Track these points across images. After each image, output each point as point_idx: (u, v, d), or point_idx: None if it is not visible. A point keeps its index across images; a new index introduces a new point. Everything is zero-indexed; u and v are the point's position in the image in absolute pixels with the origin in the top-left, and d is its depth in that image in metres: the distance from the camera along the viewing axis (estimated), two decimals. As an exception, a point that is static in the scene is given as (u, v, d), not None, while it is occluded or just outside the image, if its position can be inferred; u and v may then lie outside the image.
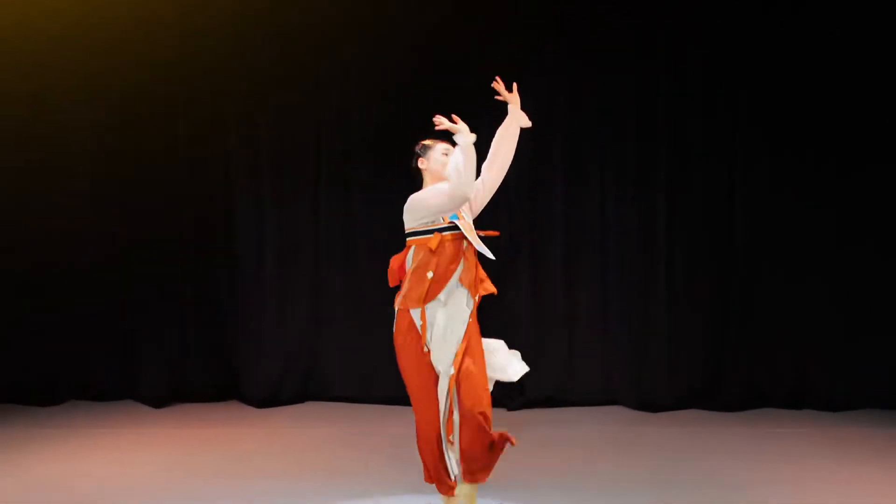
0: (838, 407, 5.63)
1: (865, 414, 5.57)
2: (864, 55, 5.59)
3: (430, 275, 3.34)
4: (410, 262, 3.44)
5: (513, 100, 3.57)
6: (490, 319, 5.61)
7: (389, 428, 5.31)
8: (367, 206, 5.98)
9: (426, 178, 3.57)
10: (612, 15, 5.76)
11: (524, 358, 3.69)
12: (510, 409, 5.80)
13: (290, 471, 4.45)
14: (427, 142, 3.60)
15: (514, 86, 3.56)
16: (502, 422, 5.23)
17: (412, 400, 3.46)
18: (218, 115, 6.12)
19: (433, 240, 3.36)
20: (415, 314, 3.39)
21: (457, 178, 3.28)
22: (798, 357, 5.72)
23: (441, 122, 3.41)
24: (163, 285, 6.14)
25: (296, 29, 5.99)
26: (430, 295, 3.36)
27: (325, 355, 6.12)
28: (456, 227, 3.39)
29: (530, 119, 3.60)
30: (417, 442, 3.49)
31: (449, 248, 3.37)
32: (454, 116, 3.39)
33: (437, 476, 3.48)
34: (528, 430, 5.17)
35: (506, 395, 5.79)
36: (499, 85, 3.52)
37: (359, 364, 6.02)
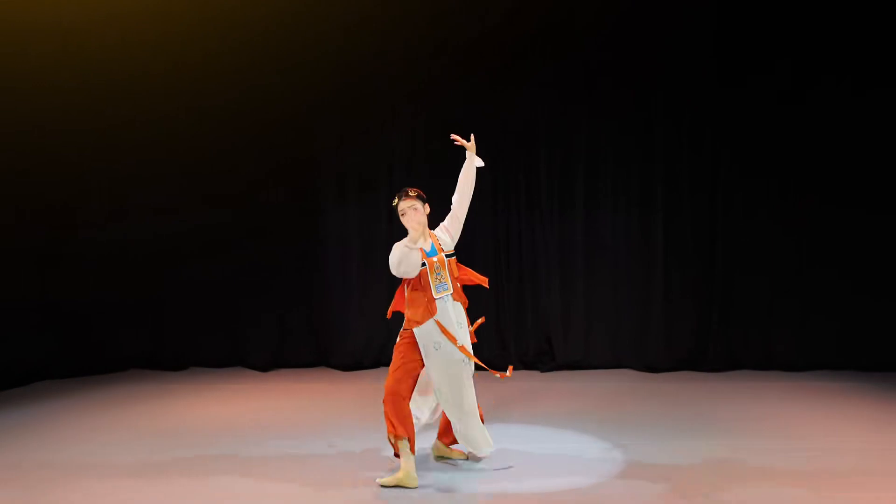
0: (798, 368, 7.23)
1: (818, 373, 7.15)
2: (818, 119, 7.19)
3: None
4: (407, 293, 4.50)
5: (470, 147, 4.59)
6: (530, 309, 7.32)
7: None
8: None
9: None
10: (626, 82, 7.35)
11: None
12: (542, 370, 7.42)
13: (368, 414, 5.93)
14: (394, 201, 4.54)
15: (472, 136, 4.61)
16: (538, 381, 6.94)
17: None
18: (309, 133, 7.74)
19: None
20: (419, 331, 4.41)
21: (395, 268, 4.38)
22: (765, 333, 7.35)
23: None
24: (266, 276, 7.77)
25: (373, 59, 7.49)
26: (430, 313, 4.40)
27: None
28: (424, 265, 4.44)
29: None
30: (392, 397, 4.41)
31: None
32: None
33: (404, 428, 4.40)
34: (560, 383, 6.87)
35: (539, 359, 7.45)
36: (457, 137, 4.60)
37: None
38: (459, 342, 4.43)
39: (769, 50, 7.14)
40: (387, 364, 7.26)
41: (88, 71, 7.43)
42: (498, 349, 7.47)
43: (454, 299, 4.49)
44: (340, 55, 7.51)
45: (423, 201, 4.50)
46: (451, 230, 4.62)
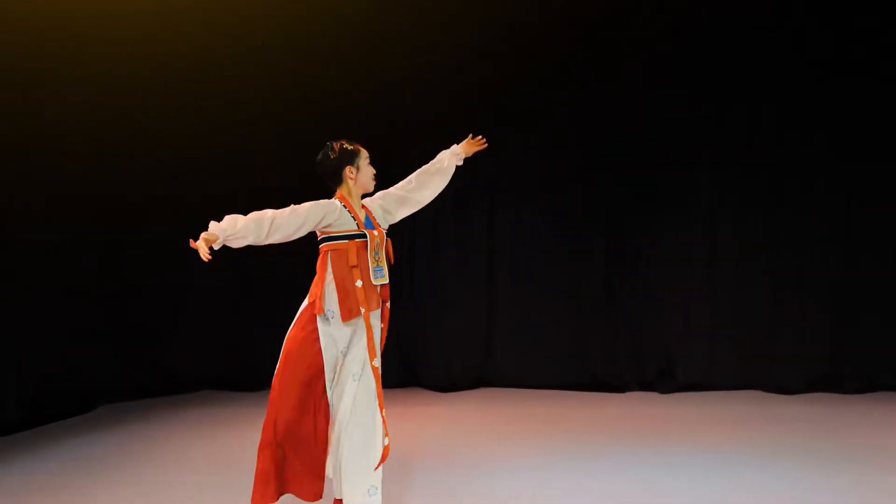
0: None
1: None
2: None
3: (359, 283, 3.43)
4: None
5: (475, 148, 3.82)
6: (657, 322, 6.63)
7: (547, 407, 6.32)
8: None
9: (349, 184, 3.56)
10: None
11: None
12: (662, 392, 6.74)
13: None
14: (349, 145, 3.58)
15: (480, 138, 3.84)
16: (657, 404, 6.27)
17: (279, 395, 3.42)
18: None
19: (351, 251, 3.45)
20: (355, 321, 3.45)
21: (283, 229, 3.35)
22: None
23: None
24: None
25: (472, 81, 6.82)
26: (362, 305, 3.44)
27: (493, 351, 7.06)
28: (363, 236, 3.49)
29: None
30: (267, 448, 3.40)
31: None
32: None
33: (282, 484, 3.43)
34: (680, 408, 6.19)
35: (659, 381, 6.77)
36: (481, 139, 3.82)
37: (522, 358, 6.96)
38: (377, 360, 3.51)
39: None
40: (486, 385, 7.10)
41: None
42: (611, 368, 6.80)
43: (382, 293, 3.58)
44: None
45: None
46: (391, 210, 3.71)
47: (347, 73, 6.87)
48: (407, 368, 7.07)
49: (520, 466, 4.71)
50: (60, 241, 6.26)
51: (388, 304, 3.67)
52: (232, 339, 7.11)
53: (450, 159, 3.76)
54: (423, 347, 7.06)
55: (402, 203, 3.72)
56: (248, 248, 3.40)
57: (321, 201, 3.50)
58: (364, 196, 3.67)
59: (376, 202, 3.70)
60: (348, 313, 3.43)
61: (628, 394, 6.75)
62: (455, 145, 3.83)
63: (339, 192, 3.60)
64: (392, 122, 6.84)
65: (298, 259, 6.82)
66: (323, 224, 3.45)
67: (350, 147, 3.57)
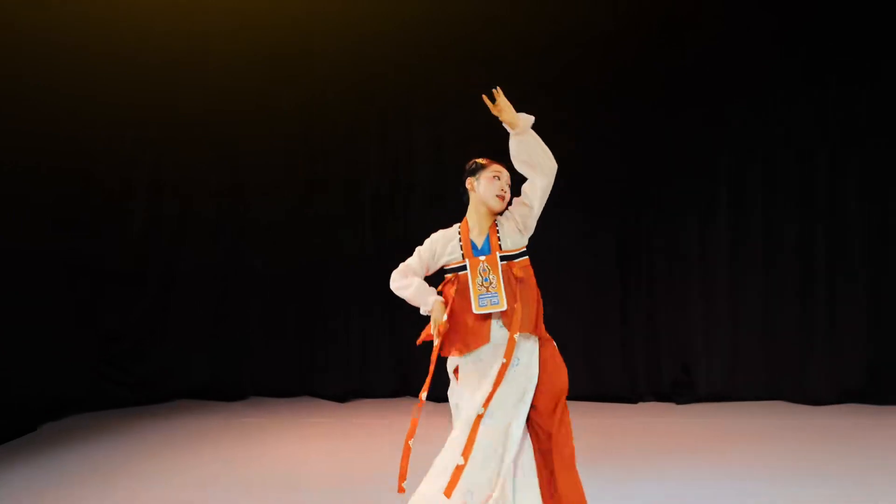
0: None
1: None
2: None
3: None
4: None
5: (498, 109, 2.99)
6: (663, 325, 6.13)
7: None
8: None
9: (472, 198, 3.17)
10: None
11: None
12: (678, 402, 6.18)
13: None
14: (481, 160, 3.20)
15: (496, 91, 2.98)
16: (674, 414, 5.74)
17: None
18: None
19: None
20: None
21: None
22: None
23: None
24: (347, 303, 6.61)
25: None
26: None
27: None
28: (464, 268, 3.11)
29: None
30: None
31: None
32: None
33: None
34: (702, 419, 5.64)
35: (676, 391, 6.22)
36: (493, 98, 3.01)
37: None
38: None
39: None
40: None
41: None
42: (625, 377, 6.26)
43: (505, 322, 3.03)
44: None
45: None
46: (517, 214, 3.14)
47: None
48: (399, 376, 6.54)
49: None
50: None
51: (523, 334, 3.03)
52: (211, 348, 6.63)
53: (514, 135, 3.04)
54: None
55: (525, 196, 3.13)
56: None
57: (433, 236, 3.23)
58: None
59: (511, 215, 3.16)
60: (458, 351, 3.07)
61: (640, 405, 6.21)
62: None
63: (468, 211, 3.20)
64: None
65: (278, 271, 6.56)
66: (439, 262, 3.18)
67: (481, 161, 3.18)
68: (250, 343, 6.62)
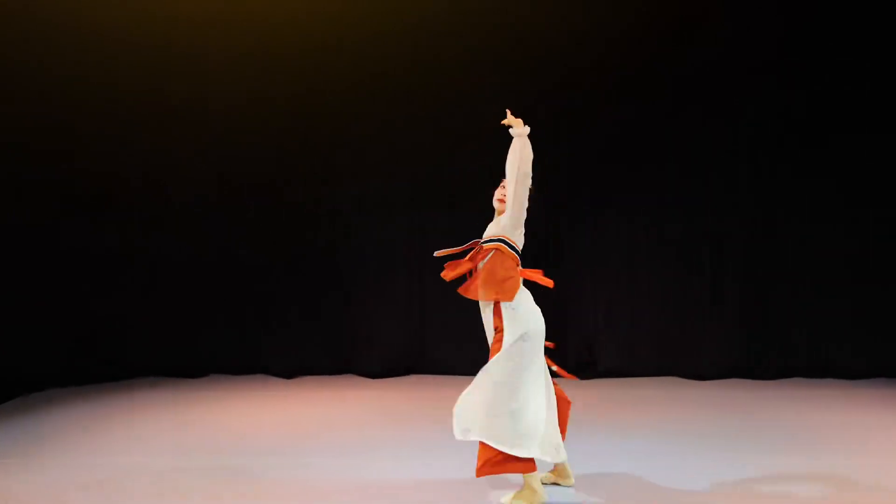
0: (854, 376, 6.84)
1: (877, 381, 6.76)
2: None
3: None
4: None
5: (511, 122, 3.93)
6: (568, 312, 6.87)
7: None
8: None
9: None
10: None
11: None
12: (581, 378, 6.97)
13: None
14: None
15: (508, 112, 3.93)
16: (578, 389, 6.53)
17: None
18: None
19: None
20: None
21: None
22: (817, 338, 6.92)
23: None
24: (301, 288, 7.36)
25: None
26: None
27: (425, 342, 7.35)
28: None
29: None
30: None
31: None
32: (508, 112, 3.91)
33: None
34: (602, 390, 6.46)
35: (580, 367, 7.03)
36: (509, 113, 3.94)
37: (446, 346, 7.21)
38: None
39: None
40: (416, 372, 7.35)
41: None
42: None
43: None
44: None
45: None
46: (499, 214, 4.09)
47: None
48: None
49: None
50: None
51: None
52: (183, 327, 7.35)
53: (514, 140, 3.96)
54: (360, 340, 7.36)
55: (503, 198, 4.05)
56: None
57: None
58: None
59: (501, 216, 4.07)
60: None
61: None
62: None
63: None
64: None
65: (256, 249, 7.26)
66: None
67: None
68: (214, 325, 7.38)
